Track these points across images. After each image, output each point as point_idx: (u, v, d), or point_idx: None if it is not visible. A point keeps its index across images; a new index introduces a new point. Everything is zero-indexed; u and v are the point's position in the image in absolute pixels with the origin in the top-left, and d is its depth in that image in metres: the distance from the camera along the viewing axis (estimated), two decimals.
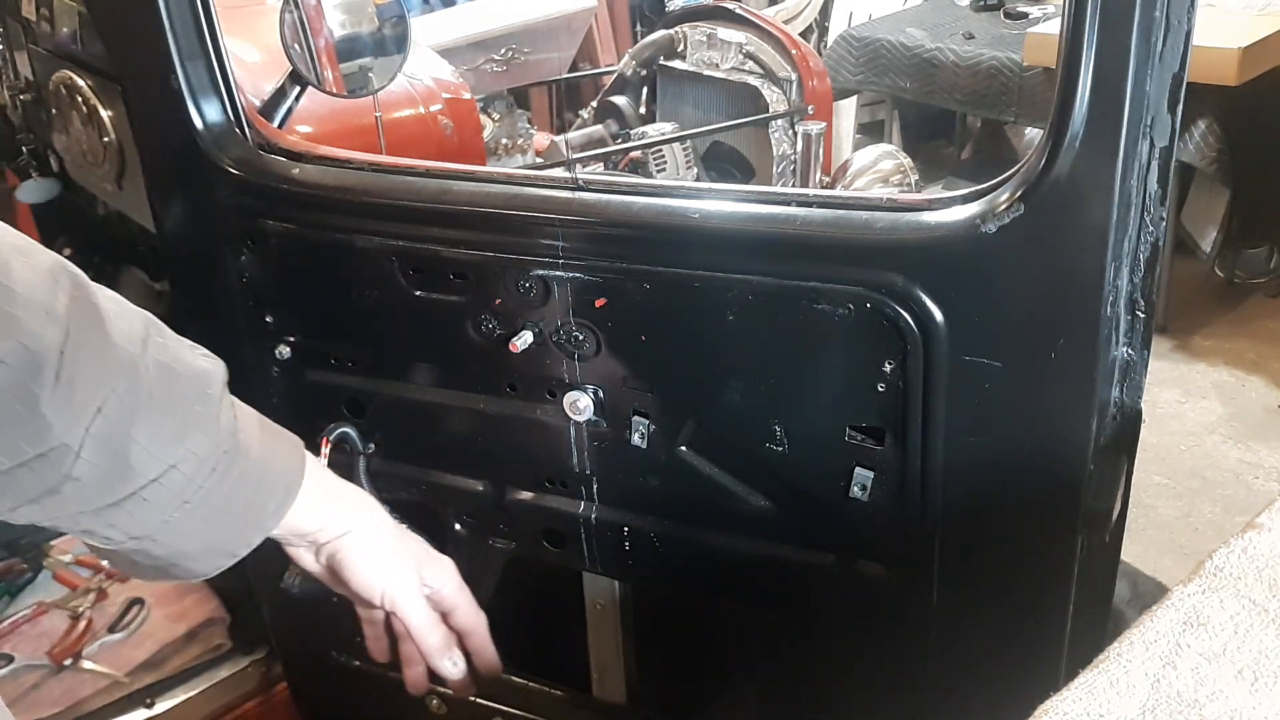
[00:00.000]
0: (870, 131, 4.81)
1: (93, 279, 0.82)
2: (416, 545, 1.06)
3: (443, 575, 1.06)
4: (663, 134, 2.44)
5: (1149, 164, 0.95)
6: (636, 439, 1.26)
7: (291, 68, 1.44)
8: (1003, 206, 0.98)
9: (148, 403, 0.79)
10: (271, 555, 1.58)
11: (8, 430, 0.72)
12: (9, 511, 0.78)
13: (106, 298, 0.81)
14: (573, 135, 2.59)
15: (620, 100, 2.59)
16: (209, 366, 0.87)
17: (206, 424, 0.84)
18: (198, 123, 1.33)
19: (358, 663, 1.70)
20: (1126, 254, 0.98)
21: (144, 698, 1.77)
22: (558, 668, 1.64)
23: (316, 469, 0.97)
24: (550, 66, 3.10)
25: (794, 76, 2.35)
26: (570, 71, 3.36)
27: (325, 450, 1.40)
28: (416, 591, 1.03)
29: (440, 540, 1.52)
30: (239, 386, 1.43)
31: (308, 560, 1.01)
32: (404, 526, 1.07)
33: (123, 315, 0.81)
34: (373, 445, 1.45)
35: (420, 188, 1.27)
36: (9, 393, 0.72)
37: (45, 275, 0.75)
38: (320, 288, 1.40)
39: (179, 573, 0.89)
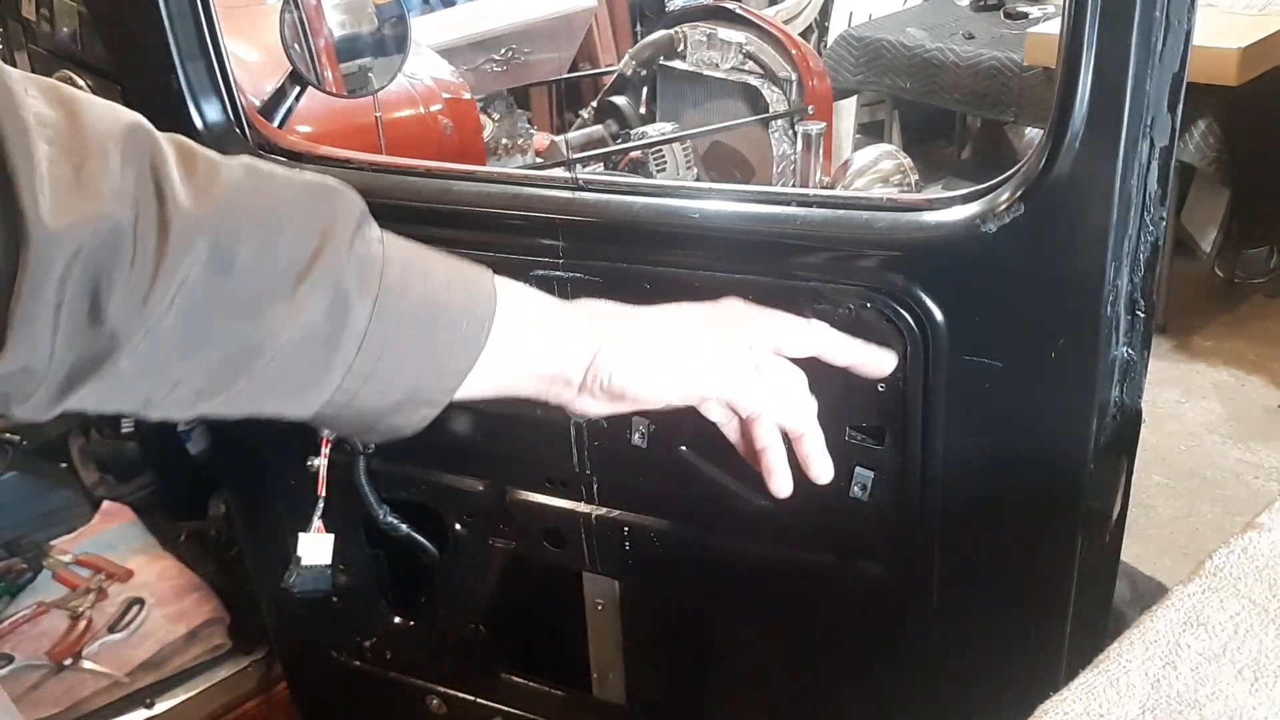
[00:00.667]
0: (870, 131, 4.81)
1: None
2: (706, 311, 0.88)
3: (762, 332, 0.87)
4: (663, 134, 2.44)
5: (1149, 164, 0.95)
6: (636, 439, 1.26)
7: (291, 68, 1.44)
8: (1003, 206, 0.98)
9: (250, 252, 0.66)
10: (271, 555, 1.59)
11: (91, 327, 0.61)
12: (147, 411, 0.68)
13: (184, 153, 0.68)
14: (573, 135, 2.59)
15: (620, 100, 2.59)
16: (323, 201, 0.71)
17: (334, 269, 0.69)
18: (198, 123, 1.33)
19: (358, 663, 1.70)
20: (1126, 254, 0.98)
21: (144, 698, 1.77)
22: (558, 668, 1.64)
23: (522, 295, 0.80)
24: (550, 66, 3.09)
25: (794, 76, 2.35)
26: (570, 71, 3.36)
27: (325, 450, 1.40)
28: (746, 384, 0.85)
29: (440, 540, 1.52)
30: None
31: (587, 405, 0.82)
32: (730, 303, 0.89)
33: (208, 171, 0.68)
34: (372, 445, 1.45)
35: (420, 188, 1.27)
36: (97, 267, 0.61)
37: (116, 139, 0.64)
38: None
39: (386, 429, 0.75)
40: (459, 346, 0.74)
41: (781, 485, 0.89)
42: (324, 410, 0.72)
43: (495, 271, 0.80)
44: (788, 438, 0.89)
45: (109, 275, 0.61)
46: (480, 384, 0.76)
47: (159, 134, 0.67)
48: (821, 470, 0.90)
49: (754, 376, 0.87)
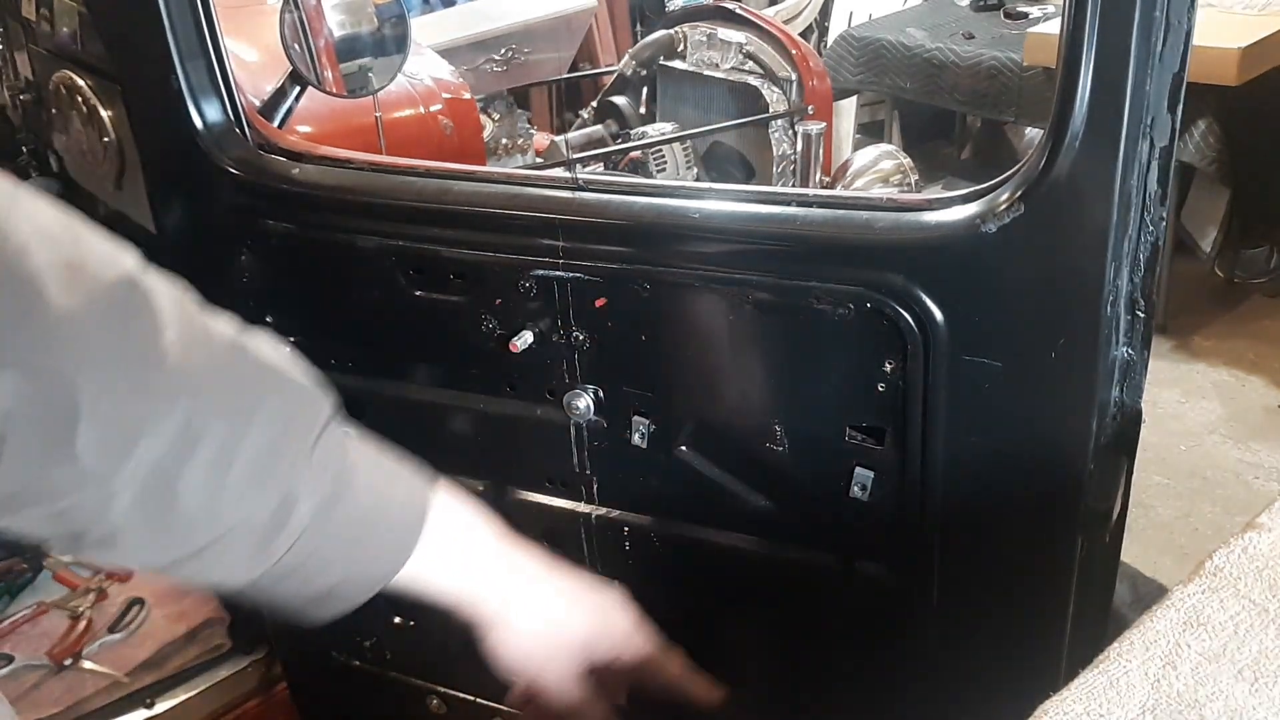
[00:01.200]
0: (870, 131, 4.80)
1: None
2: (589, 618, 0.91)
3: (622, 649, 0.93)
4: (663, 134, 2.44)
5: (1149, 164, 0.95)
6: (636, 439, 1.26)
7: (291, 68, 1.44)
8: (1003, 206, 0.98)
9: (209, 447, 0.67)
10: None
11: (41, 470, 0.63)
12: (77, 551, 0.73)
13: (178, 319, 0.68)
14: (573, 135, 2.59)
15: (620, 100, 2.59)
16: (299, 401, 0.75)
17: (290, 472, 0.72)
18: (198, 123, 1.33)
19: (358, 663, 1.70)
20: (1126, 254, 0.98)
21: (144, 698, 1.77)
22: None
23: (450, 520, 0.84)
24: (550, 66, 3.09)
25: (794, 76, 2.35)
26: (570, 71, 3.36)
27: None
28: (567, 682, 0.90)
29: None
30: None
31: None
32: (585, 587, 0.92)
33: (192, 343, 0.68)
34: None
35: (420, 188, 1.27)
36: (41, 429, 0.62)
37: (102, 299, 0.64)
38: (320, 288, 1.40)
39: (303, 611, 0.80)
40: (378, 565, 0.80)
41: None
42: (240, 590, 0.75)
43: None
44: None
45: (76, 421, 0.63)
46: (397, 588, 0.83)
47: (156, 286, 0.68)
48: None
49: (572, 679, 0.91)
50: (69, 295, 0.62)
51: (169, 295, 0.69)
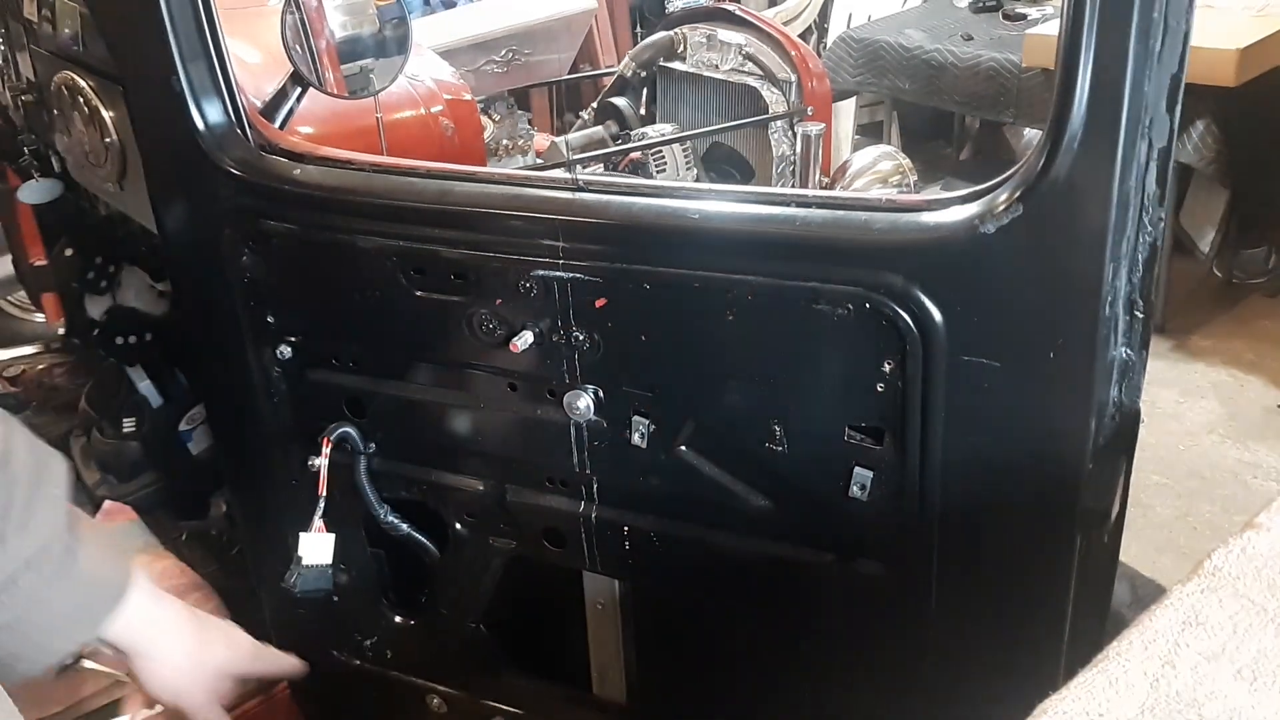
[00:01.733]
0: (869, 132, 4.80)
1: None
2: (217, 650, 1.10)
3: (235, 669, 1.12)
4: (663, 135, 2.44)
5: (1147, 164, 0.96)
6: (636, 439, 1.27)
7: (293, 69, 1.45)
8: (1002, 207, 0.99)
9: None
10: (272, 555, 1.59)
11: None
12: None
13: None
14: (573, 136, 2.59)
15: (620, 101, 2.59)
16: (60, 469, 0.91)
17: (52, 525, 0.89)
18: (199, 124, 1.33)
19: (358, 662, 1.70)
20: (1125, 254, 0.99)
21: (145, 698, 1.77)
22: (558, 667, 1.64)
23: (142, 584, 1.01)
24: (550, 68, 3.09)
25: (793, 78, 2.35)
26: (570, 73, 3.36)
27: (326, 450, 1.40)
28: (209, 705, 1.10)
29: (440, 540, 1.53)
30: (242, 387, 1.43)
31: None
32: (207, 619, 1.11)
33: None
34: (373, 445, 1.45)
35: (421, 189, 1.27)
36: None
37: None
38: (321, 288, 1.40)
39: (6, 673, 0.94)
40: (93, 613, 0.96)
41: None
42: None
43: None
44: None
45: None
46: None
47: None
48: None
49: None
50: None
51: None
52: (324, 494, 1.38)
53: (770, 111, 2.34)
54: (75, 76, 1.63)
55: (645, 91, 2.62)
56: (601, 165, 2.40)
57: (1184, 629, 0.72)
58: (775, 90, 2.36)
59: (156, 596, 1.04)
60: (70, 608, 0.93)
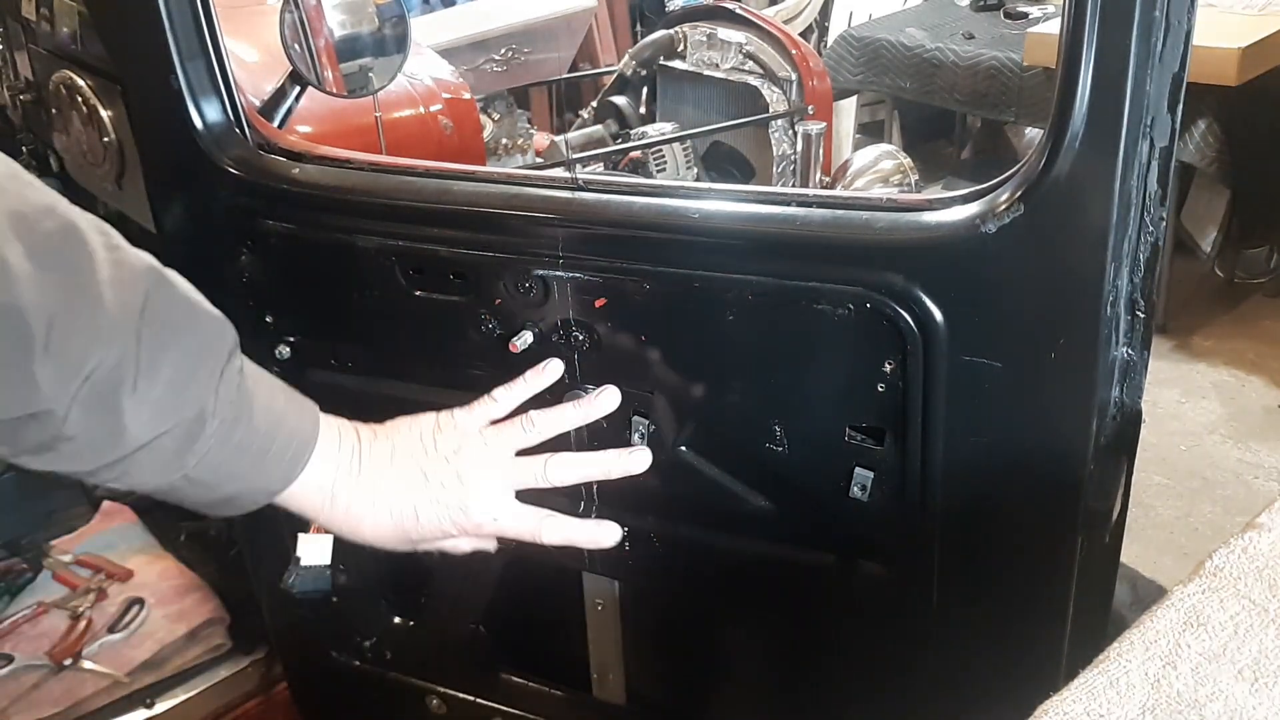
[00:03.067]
0: (870, 131, 4.81)
1: None
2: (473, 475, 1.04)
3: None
4: (663, 134, 2.44)
5: (1149, 164, 0.95)
6: (636, 439, 1.26)
7: (291, 68, 1.44)
8: (1003, 206, 0.98)
9: (138, 371, 0.80)
10: (271, 555, 1.59)
11: (1, 389, 0.75)
12: (14, 456, 0.81)
13: (110, 261, 0.80)
14: (573, 135, 2.59)
15: (620, 100, 2.59)
16: (211, 332, 0.87)
17: (203, 393, 0.84)
18: (198, 123, 1.33)
19: (358, 663, 1.70)
20: (1126, 254, 0.98)
21: (144, 698, 1.77)
22: (558, 668, 1.64)
23: (337, 446, 0.98)
24: (550, 66, 3.09)
25: (794, 76, 2.35)
26: (570, 71, 3.36)
27: None
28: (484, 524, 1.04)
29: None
30: None
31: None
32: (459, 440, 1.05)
33: (122, 281, 0.80)
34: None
35: (420, 188, 1.27)
36: (4, 359, 0.74)
37: (45, 244, 0.76)
38: (320, 288, 1.40)
39: (208, 511, 0.93)
40: (271, 478, 0.94)
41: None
42: (154, 491, 0.88)
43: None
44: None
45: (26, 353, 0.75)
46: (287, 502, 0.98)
47: (87, 229, 0.81)
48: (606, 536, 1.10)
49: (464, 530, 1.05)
50: (19, 242, 0.74)
51: (98, 238, 0.81)
52: None
53: (771, 110, 2.34)
54: (73, 76, 1.63)
55: (645, 90, 2.62)
56: (601, 164, 2.40)
57: (1185, 629, 0.71)
58: (776, 89, 2.36)
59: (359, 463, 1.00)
60: (247, 470, 0.91)
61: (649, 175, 2.40)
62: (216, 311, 0.88)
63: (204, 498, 0.90)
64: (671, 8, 4.34)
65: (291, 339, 1.43)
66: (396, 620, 1.65)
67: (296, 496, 0.97)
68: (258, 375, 0.92)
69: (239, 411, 0.88)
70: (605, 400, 1.13)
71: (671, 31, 2.54)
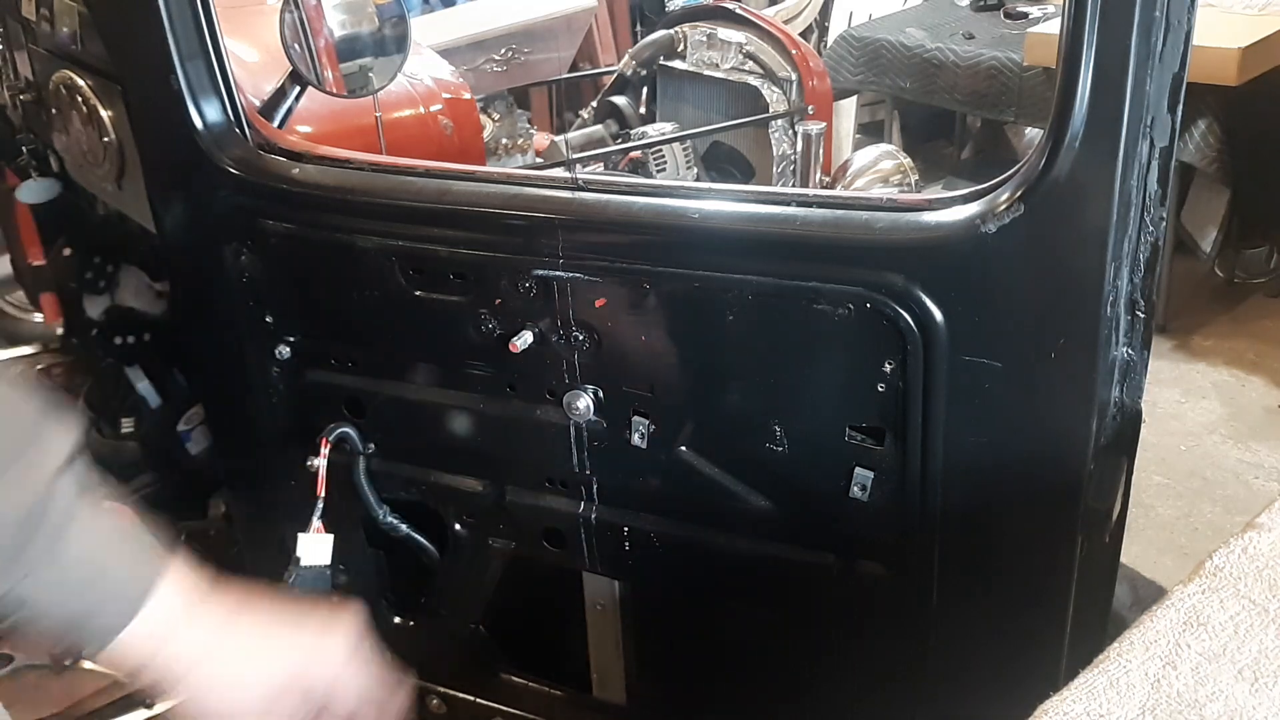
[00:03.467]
0: (870, 131, 4.80)
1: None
2: (298, 658, 0.91)
3: (340, 684, 0.91)
4: (663, 134, 2.43)
5: (1149, 164, 0.95)
6: (636, 439, 1.26)
7: (291, 68, 1.44)
8: (1003, 207, 0.98)
9: None
10: (271, 555, 1.59)
11: None
12: None
13: None
14: (573, 135, 2.59)
15: (620, 100, 2.58)
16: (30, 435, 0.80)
17: (35, 491, 0.77)
18: (198, 123, 1.33)
19: None
20: (1126, 254, 0.98)
21: (144, 698, 1.77)
22: (558, 668, 1.64)
23: (183, 593, 0.89)
24: (550, 66, 3.09)
25: (794, 76, 2.35)
26: (570, 71, 3.36)
27: (325, 451, 1.40)
28: None
29: (440, 540, 1.52)
30: (240, 387, 1.42)
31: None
32: (299, 628, 0.93)
33: None
34: (372, 445, 1.45)
35: (420, 188, 1.27)
36: None
37: None
38: (320, 288, 1.40)
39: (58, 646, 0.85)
40: (101, 618, 0.83)
41: None
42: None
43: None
44: None
45: None
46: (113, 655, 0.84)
47: None
48: None
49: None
50: None
51: None
52: (323, 495, 1.38)
53: (771, 110, 2.34)
54: (74, 75, 1.63)
55: (645, 90, 2.62)
56: (601, 164, 2.40)
57: (1185, 629, 0.71)
58: (776, 89, 2.36)
59: (200, 604, 0.90)
60: (69, 601, 0.81)
61: (649, 175, 2.39)
62: (49, 421, 0.82)
63: (34, 625, 0.80)
64: (671, 8, 4.34)
65: (291, 339, 1.43)
66: (396, 620, 1.65)
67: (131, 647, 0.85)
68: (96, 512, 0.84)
69: (72, 522, 0.80)
70: None
71: (671, 31, 2.53)
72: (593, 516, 1.36)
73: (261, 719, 0.88)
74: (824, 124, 1.89)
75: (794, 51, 2.35)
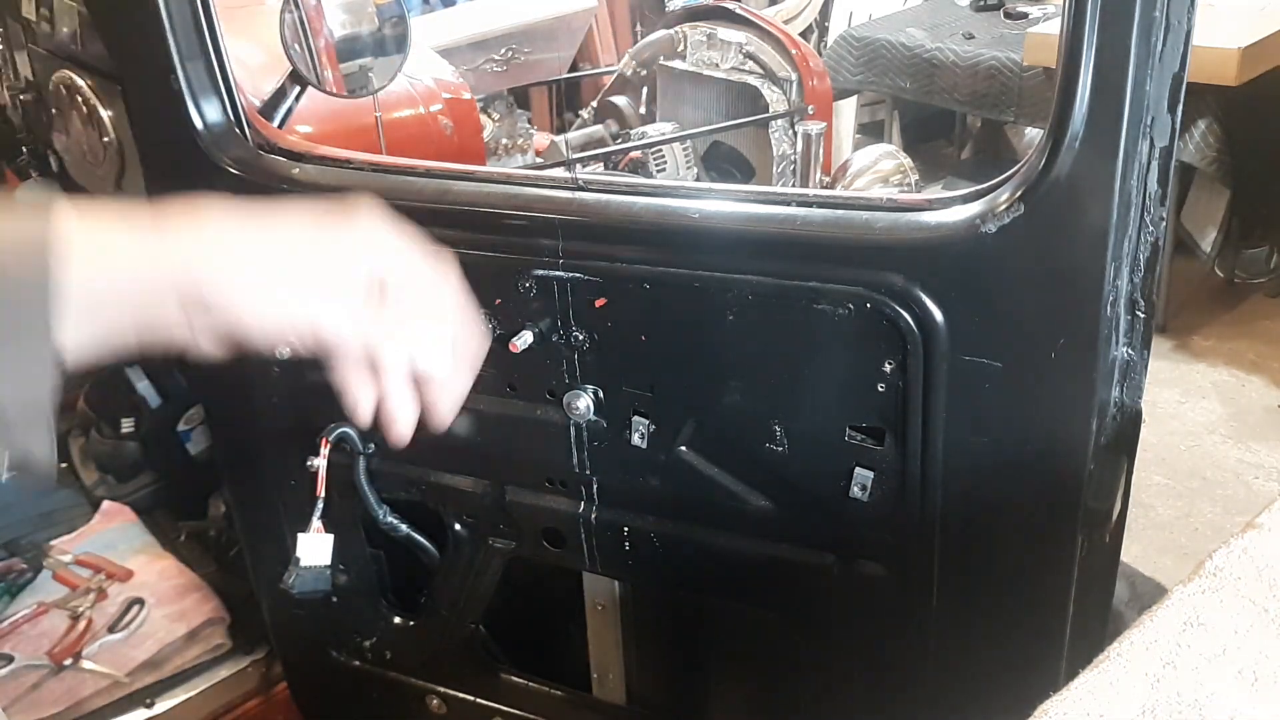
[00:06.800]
0: (870, 131, 4.80)
1: None
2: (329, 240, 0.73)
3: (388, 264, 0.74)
4: (663, 134, 2.44)
5: (1149, 164, 0.95)
6: (636, 439, 1.26)
7: (292, 68, 1.44)
8: (1003, 206, 0.98)
9: None
10: (271, 555, 1.59)
11: None
12: None
13: None
14: (573, 135, 2.59)
15: (620, 100, 2.59)
16: None
17: None
18: (198, 123, 1.33)
19: (358, 663, 1.70)
20: (1126, 254, 0.98)
21: (144, 698, 1.77)
22: (558, 668, 1.64)
23: (104, 224, 0.64)
24: (550, 66, 3.09)
25: (794, 76, 2.35)
26: (570, 71, 3.36)
27: (325, 451, 1.40)
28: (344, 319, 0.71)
29: (440, 540, 1.52)
30: (240, 387, 1.42)
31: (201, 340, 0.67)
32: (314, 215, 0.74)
33: None
34: (373, 445, 1.45)
35: (420, 188, 1.27)
36: None
37: None
38: None
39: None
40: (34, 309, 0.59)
41: (402, 433, 0.76)
42: None
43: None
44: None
45: None
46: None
47: None
48: (438, 420, 0.76)
49: (377, 310, 0.73)
50: None
51: None
52: (322, 495, 1.38)
53: (771, 110, 2.34)
54: (74, 75, 1.63)
55: (645, 90, 2.62)
56: (601, 164, 2.40)
57: (1185, 630, 0.71)
58: (776, 89, 2.36)
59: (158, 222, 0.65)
60: None
61: (649, 175, 2.40)
62: None
63: None
64: (671, 8, 4.34)
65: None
66: (396, 620, 1.65)
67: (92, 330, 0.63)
68: None
69: None
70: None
71: (671, 31, 2.54)
72: (593, 516, 1.36)
73: (315, 305, 0.71)
74: (824, 124, 1.89)
75: (794, 51, 2.35)
